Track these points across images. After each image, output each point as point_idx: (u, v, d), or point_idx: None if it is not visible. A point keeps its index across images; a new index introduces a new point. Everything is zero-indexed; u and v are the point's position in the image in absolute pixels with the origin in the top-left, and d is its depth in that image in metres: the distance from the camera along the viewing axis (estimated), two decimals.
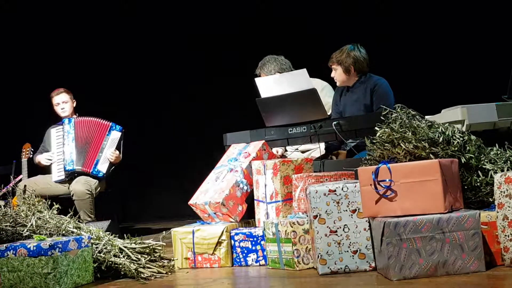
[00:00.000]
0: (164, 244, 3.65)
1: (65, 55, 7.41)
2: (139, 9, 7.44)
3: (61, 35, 7.43)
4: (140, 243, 3.58)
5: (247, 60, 6.54)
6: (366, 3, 6.38)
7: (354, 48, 4.49)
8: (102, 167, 5.50)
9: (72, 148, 5.52)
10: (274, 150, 4.58)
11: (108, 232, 3.72)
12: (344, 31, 5.97)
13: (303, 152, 4.78)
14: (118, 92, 7.41)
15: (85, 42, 7.48)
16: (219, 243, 3.62)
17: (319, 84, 4.89)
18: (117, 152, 5.54)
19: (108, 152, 5.51)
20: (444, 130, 3.14)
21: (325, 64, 4.62)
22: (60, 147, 5.57)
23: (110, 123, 5.60)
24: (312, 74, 4.97)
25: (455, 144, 3.11)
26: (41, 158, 5.65)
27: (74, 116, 5.71)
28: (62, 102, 5.70)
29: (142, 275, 3.39)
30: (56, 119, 5.75)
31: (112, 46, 7.47)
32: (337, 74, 4.54)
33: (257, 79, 4.32)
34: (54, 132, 5.67)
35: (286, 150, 4.75)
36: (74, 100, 5.76)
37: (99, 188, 5.51)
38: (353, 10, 6.41)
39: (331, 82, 4.82)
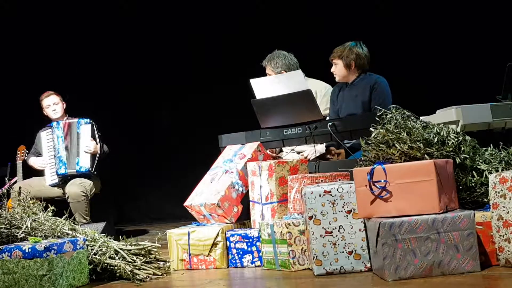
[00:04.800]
0: (160, 245, 3.65)
1: (62, 57, 7.39)
2: (138, 9, 7.43)
3: (59, 37, 7.41)
4: (135, 244, 3.58)
5: (244, 61, 6.56)
6: (363, 4, 6.38)
7: (357, 44, 4.52)
8: (84, 163, 5.48)
9: (63, 151, 5.51)
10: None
11: (103, 234, 3.72)
12: (341, 32, 5.96)
13: (298, 153, 4.78)
14: (113, 93, 7.40)
15: (82, 44, 7.46)
16: (214, 244, 3.61)
17: (322, 87, 4.88)
18: (93, 142, 5.52)
19: (84, 146, 5.49)
20: (439, 131, 3.15)
21: (324, 64, 4.64)
22: (51, 151, 5.56)
23: (77, 119, 5.58)
24: (311, 74, 4.98)
25: (450, 144, 3.12)
26: (35, 163, 5.64)
27: (65, 118, 5.70)
28: (53, 103, 5.68)
29: (138, 277, 3.38)
30: (48, 122, 5.74)
31: (110, 47, 7.45)
32: (338, 69, 4.54)
33: (252, 80, 4.32)
34: (44, 136, 5.66)
35: (281, 151, 4.75)
36: (64, 102, 5.74)
37: (94, 189, 5.50)
38: (351, 10, 6.41)
39: (331, 82, 4.82)
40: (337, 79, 4.62)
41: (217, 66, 7.03)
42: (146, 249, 3.58)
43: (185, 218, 5.00)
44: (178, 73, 7.31)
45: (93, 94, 7.21)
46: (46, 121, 5.80)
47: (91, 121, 5.58)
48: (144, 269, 3.45)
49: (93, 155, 5.51)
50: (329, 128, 4.02)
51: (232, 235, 3.61)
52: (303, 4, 6.63)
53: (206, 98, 7.17)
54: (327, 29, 6.28)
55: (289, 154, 4.73)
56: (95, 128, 5.56)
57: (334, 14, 6.46)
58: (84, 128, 5.56)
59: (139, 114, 7.50)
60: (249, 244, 3.57)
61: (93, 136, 5.54)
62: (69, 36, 7.42)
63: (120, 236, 3.65)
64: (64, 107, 5.74)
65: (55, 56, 7.36)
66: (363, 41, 4.61)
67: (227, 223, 3.75)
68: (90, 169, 5.47)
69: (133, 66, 7.39)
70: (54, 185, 5.52)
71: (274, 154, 4.67)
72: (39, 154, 5.70)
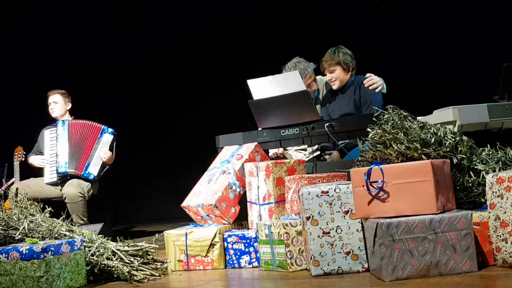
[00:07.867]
0: (157, 246, 3.65)
1: (62, 58, 7.38)
2: (138, 10, 7.43)
3: (60, 38, 7.41)
4: (133, 245, 3.58)
5: (241, 61, 6.57)
6: (363, 4, 6.39)
7: (338, 47, 4.54)
8: (93, 170, 5.49)
9: (65, 150, 5.52)
10: (273, 151, 4.59)
11: (100, 235, 3.72)
12: (341, 32, 5.97)
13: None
14: (112, 94, 7.39)
15: (83, 45, 7.46)
16: (212, 245, 3.61)
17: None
18: (110, 152, 5.54)
19: (101, 153, 5.51)
20: (436, 131, 3.15)
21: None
22: (53, 149, 5.55)
23: (102, 126, 5.60)
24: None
25: (447, 145, 3.12)
26: (34, 160, 5.64)
27: (70, 119, 5.70)
28: (53, 102, 5.70)
29: (135, 278, 3.38)
30: (51, 121, 5.74)
31: (111, 48, 7.45)
32: (337, 74, 4.55)
33: (249, 81, 4.32)
34: (47, 134, 5.66)
35: (285, 149, 4.75)
36: (68, 103, 5.73)
37: (91, 191, 5.50)
38: (351, 11, 6.42)
39: None
40: (337, 85, 4.61)
41: (214, 66, 7.03)
42: (144, 250, 3.58)
43: (183, 219, 5.00)
44: (177, 74, 7.32)
45: (92, 94, 7.20)
46: (47, 121, 5.79)
47: (115, 132, 5.62)
48: (141, 270, 3.45)
49: (103, 165, 5.54)
50: (326, 129, 4.03)
51: (229, 236, 3.61)
52: (303, 5, 6.64)
53: (203, 99, 7.18)
54: (327, 30, 6.28)
55: (292, 150, 4.74)
56: (115, 141, 5.59)
57: (334, 14, 6.47)
58: (107, 137, 5.59)
59: (138, 115, 7.50)
60: (246, 244, 3.57)
61: (111, 147, 5.57)
62: (68, 37, 7.42)
63: (117, 237, 3.65)
64: (68, 108, 5.73)
65: (54, 57, 7.35)
66: (363, 41, 4.63)
67: (224, 223, 3.75)
68: (96, 177, 5.50)
69: (132, 66, 7.40)
70: (52, 184, 5.51)
71: (280, 154, 4.66)
72: (40, 153, 5.69)
